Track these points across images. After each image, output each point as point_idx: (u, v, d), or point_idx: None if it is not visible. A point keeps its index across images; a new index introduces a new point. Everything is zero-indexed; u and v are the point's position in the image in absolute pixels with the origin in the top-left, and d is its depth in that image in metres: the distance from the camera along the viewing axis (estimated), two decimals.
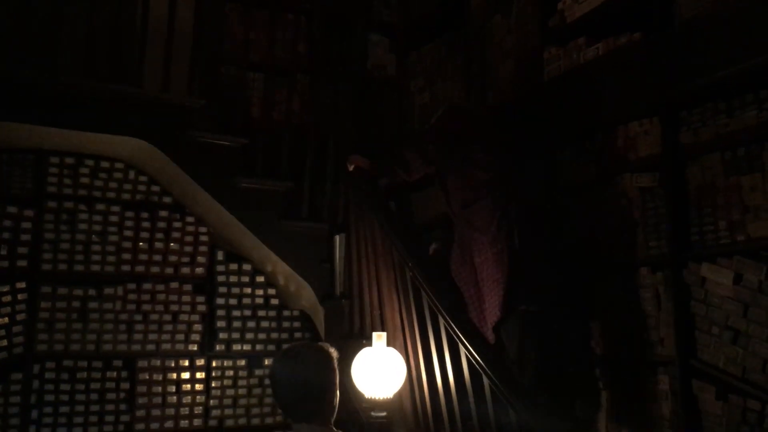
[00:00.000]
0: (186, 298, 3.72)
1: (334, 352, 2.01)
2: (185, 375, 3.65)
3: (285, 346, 3.45)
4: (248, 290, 3.85)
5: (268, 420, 3.75)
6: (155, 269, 3.70)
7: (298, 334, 3.91)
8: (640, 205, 3.26)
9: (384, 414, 2.76)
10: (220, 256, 3.84)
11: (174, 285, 3.71)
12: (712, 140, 3.01)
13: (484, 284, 3.14)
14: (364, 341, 3.11)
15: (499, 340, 3.11)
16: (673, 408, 3.04)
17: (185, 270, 3.76)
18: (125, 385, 3.54)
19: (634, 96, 3.27)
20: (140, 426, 3.53)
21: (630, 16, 3.32)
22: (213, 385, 3.71)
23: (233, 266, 3.85)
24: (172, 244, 3.75)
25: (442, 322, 2.83)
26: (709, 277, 2.97)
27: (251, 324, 3.81)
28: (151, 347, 3.62)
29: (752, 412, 2.79)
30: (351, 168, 3.50)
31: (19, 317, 3.41)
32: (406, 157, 3.37)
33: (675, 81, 3.09)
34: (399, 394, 2.92)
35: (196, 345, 3.71)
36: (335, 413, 1.99)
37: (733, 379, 2.86)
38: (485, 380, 2.61)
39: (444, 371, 2.84)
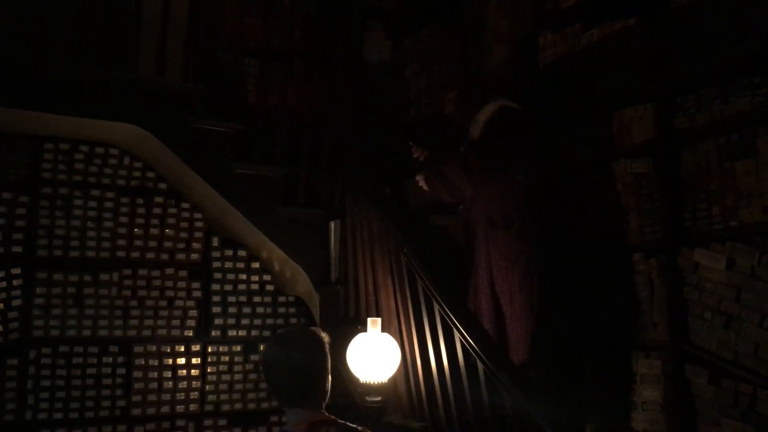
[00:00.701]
0: (181, 284, 3.73)
1: (325, 337, 1.99)
2: (181, 360, 3.66)
3: (279, 331, 3.47)
4: (244, 276, 3.86)
5: (264, 404, 3.77)
6: (151, 255, 3.70)
7: (293, 320, 3.92)
8: (634, 191, 3.28)
9: (379, 398, 2.77)
10: (215, 242, 3.84)
11: (169, 271, 3.71)
12: (707, 126, 3.02)
13: (509, 316, 3.15)
14: (359, 326, 3.12)
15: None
16: (666, 391, 3.07)
17: (181, 256, 3.76)
18: (121, 371, 3.56)
19: (630, 82, 3.27)
20: (136, 411, 3.54)
21: (625, 1, 3.31)
22: (209, 370, 3.72)
23: (229, 252, 3.86)
24: (167, 230, 3.75)
25: (436, 307, 2.85)
26: (702, 262, 2.99)
27: (247, 310, 3.83)
28: (147, 332, 3.63)
29: (744, 396, 2.82)
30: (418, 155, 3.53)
31: (15, 303, 3.42)
32: (450, 177, 3.37)
33: (670, 67, 3.09)
34: (394, 379, 2.93)
35: (191, 330, 3.72)
36: (327, 398, 1.98)
37: (725, 363, 2.89)
38: (479, 365, 2.63)
39: (438, 356, 2.85)
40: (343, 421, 1.94)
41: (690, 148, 3.09)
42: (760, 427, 2.74)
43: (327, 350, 1.97)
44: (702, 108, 3.04)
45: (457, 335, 2.74)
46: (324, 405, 1.97)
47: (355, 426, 1.94)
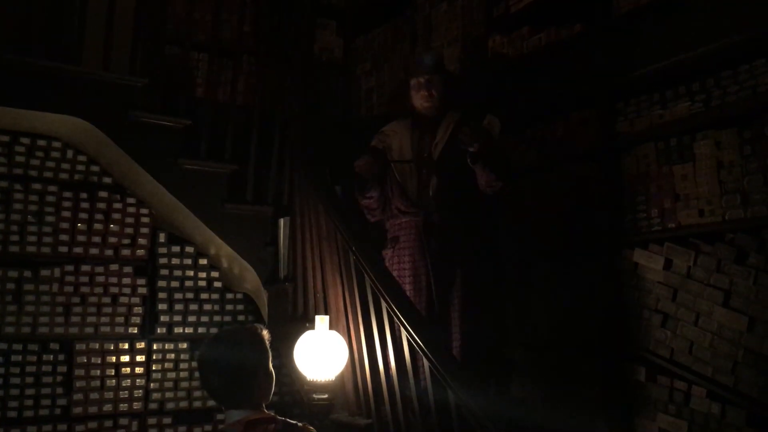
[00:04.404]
0: (126, 281, 3.66)
1: (265, 334, 1.94)
2: (125, 358, 3.60)
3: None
4: (191, 273, 3.82)
5: (210, 403, 3.73)
6: (94, 251, 3.63)
7: (241, 317, 3.90)
8: (577, 193, 3.36)
9: (326, 396, 2.79)
10: (162, 238, 3.79)
11: (114, 267, 3.64)
12: (646, 130, 3.12)
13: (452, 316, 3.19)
14: (307, 324, 3.12)
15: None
16: (605, 388, 3.16)
17: (126, 252, 3.69)
18: (62, 368, 3.48)
19: (574, 86, 3.35)
20: (78, 410, 3.47)
21: (572, 7, 3.39)
22: (154, 368, 3.67)
23: (175, 248, 3.81)
24: (112, 225, 3.67)
25: (384, 305, 2.87)
26: (641, 262, 3.09)
27: (194, 307, 3.78)
28: (89, 330, 3.55)
29: (679, 392, 2.92)
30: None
31: None
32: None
33: (612, 72, 3.18)
34: (341, 377, 2.95)
35: (136, 328, 3.66)
36: (269, 396, 1.94)
37: (661, 360, 2.99)
38: (425, 362, 2.65)
39: (385, 353, 2.88)
40: (282, 418, 1.92)
41: (631, 152, 3.19)
42: (692, 422, 2.85)
43: (266, 348, 1.92)
44: (642, 113, 3.14)
45: (403, 333, 2.77)
46: (264, 403, 1.94)
47: (295, 423, 1.93)
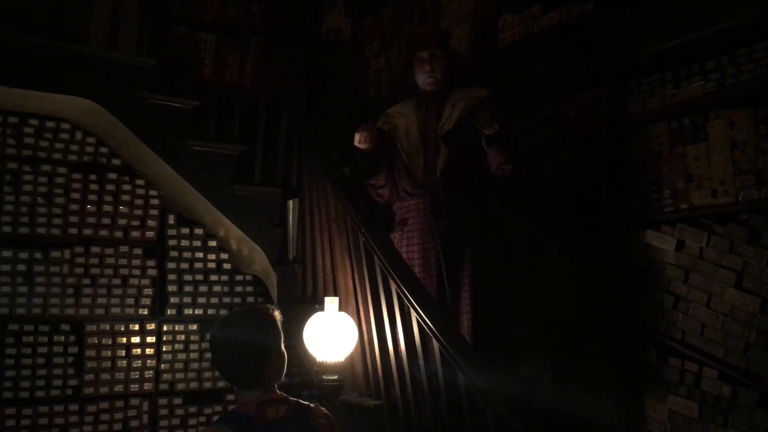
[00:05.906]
0: (136, 262, 3.66)
1: (277, 315, 1.94)
2: (135, 339, 3.61)
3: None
4: (200, 254, 3.81)
5: (220, 383, 3.74)
6: (104, 233, 3.62)
7: (250, 299, 3.90)
8: (588, 173, 3.33)
9: (335, 377, 2.79)
10: (171, 219, 3.78)
11: (124, 249, 3.64)
12: (659, 110, 3.09)
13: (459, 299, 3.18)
14: (317, 306, 3.12)
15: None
16: (615, 370, 3.15)
17: (135, 234, 3.69)
18: (73, 350, 3.49)
19: (586, 66, 3.31)
20: (89, 390, 3.49)
21: None
22: (164, 349, 3.68)
23: (185, 230, 3.80)
24: (121, 207, 3.67)
25: (393, 286, 2.86)
26: (653, 243, 3.07)
27: (203, 288, 3.78)
28: (99, 311, 3.56)
29: (690, 374, 2.91)
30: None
31: None
32: None
33: (624, 51, 3.14)
34: (351, 358, 2.95)
35: (146, 309, 3.67)
36: (281, 376, 1.94)
37: (672, 342, 2.97)
38: (435, 343, 2.65)
39: (395, 335, 2.88)
40: (294, 399, 1.92)
41: (642, 132, 3.15)
42: (703, 403, 2.84)
43: (278, 328, 1.92)
44: (655, 92, 3.10)
45: (413, 314, 2.76)
46: (276, 384, 1.94)
47: (307, 403, 1.93)
